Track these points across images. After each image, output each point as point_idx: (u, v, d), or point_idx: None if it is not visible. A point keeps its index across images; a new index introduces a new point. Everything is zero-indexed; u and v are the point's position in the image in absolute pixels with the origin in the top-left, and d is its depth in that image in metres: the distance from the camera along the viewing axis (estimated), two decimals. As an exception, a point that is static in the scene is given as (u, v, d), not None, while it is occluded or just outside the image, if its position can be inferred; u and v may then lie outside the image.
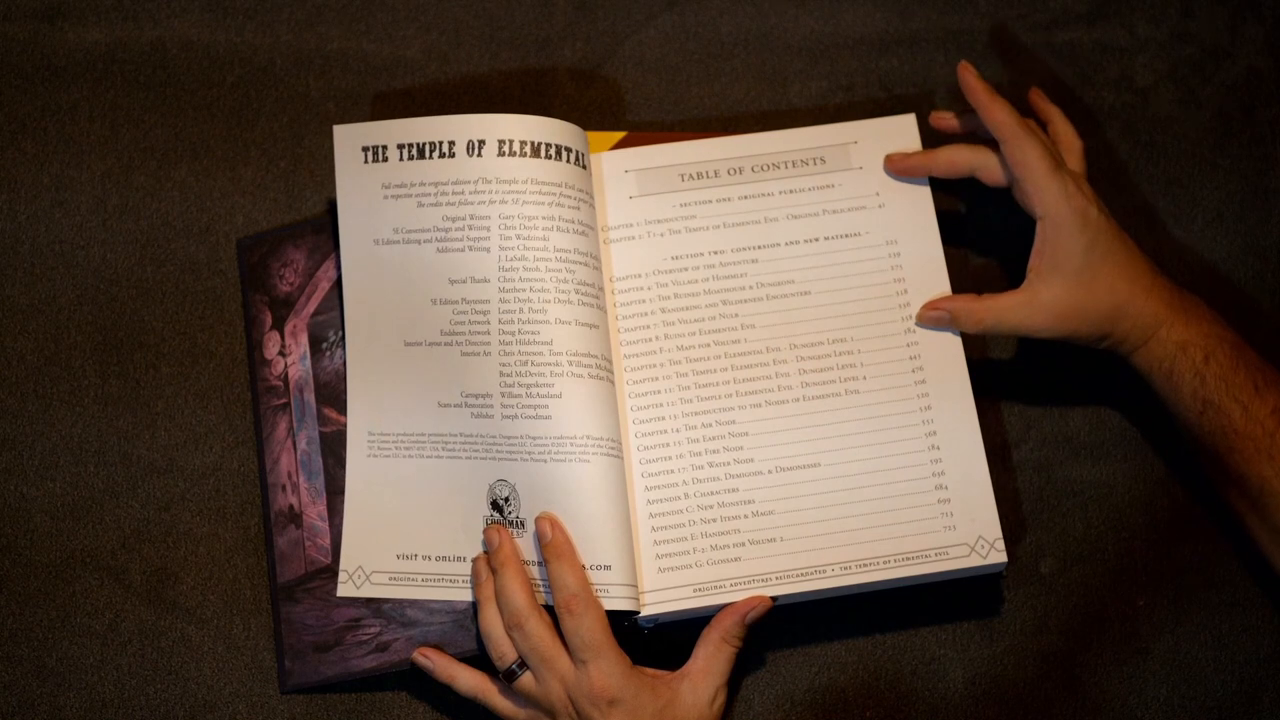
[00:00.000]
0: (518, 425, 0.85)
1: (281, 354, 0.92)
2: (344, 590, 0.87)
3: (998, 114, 0.87)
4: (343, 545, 0.87)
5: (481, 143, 0.88)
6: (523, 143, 0.87)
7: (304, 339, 0.92)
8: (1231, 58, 1.00)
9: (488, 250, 0.87)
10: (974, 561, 0.86)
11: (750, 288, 0.90)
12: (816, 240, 0.91)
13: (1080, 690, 0.90)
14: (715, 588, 0.85)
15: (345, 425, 0.89)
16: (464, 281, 0.87)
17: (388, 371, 0.88)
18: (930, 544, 0.86)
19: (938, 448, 0.88)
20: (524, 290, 0.86)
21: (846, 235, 0.91)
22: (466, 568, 0.86)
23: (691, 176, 0.92)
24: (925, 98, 0.99)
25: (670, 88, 0.99)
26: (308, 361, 0.92)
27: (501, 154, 0.87)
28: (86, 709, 0.88)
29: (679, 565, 0.86)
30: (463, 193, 0.88)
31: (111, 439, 0.92)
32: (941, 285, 0.90)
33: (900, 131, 0.93)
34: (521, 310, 0.86)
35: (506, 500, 0.85)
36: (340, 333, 0.90)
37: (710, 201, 0.92)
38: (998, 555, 0.86)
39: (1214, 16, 1.01)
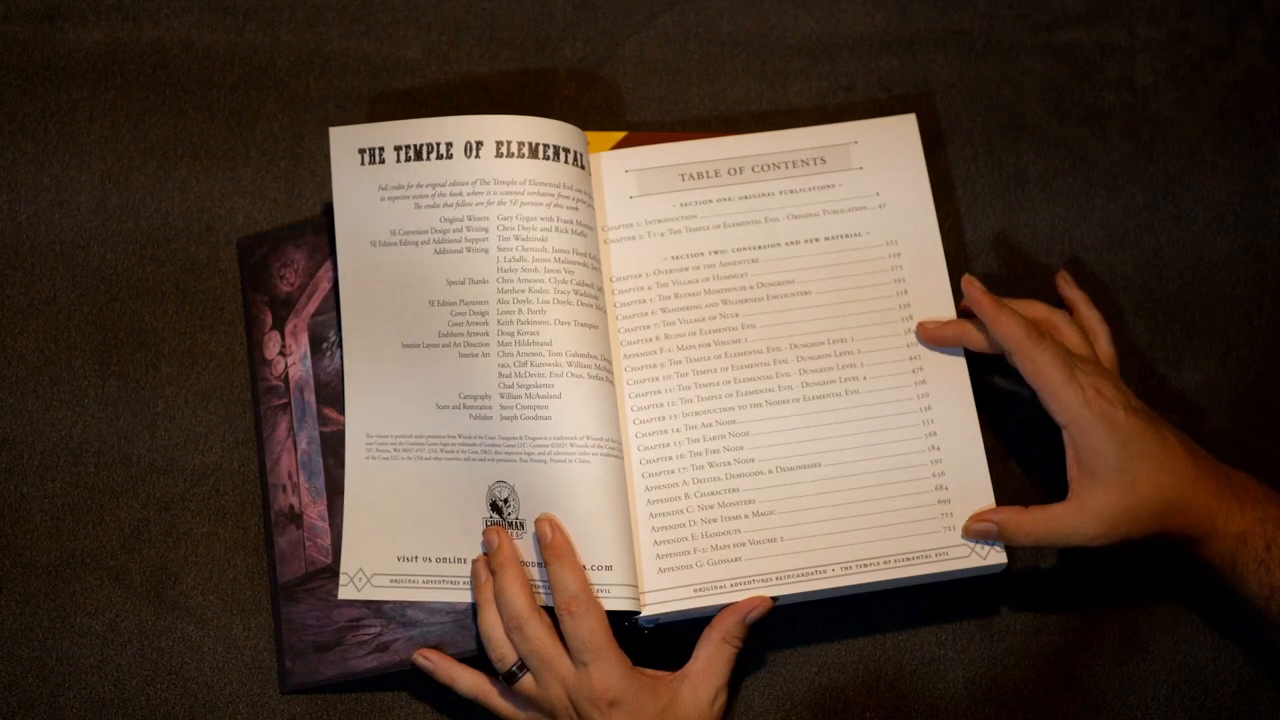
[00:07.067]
0: (517, 426, 0.85)
1: (282, 354, 0.92)
2: (345, 593, 0.87)
3: (1004, 327, 0.85)
4: (343, 548, 0.87)
5: (479, 144, 0.87)
6: (520, 144, 0.87)
7: (304, 339, 0.92)
8: (1231, 58, 1.00)
9: (486, 251, 0.87)
10: (974, 562, 0.86)
11: (751, 287, 0.90)
12: (817, 240, 0.91)
13: (1080, 690, 0.90)
14: (715, 588, 0.85)
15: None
16: (462, 283, 0.87)
17: (386, 374, 0.88)
18: (930, 544, 0.86)
19: (938, 448, 0.88)
20: (523, 291, 0.86)
21: (847, 235, 0.91)
22: (467, 569, 0.86)
23: (692, 176, 0.92)
24: (925, 98, 0.99)
25: (670, 88, 0.99)
26: (308, 361, 0.92)
27: (499, 155, 0.87)
28: (86, 709, 0.88)
29: (679, 565, 0.86)
30: (460, 194, 0.88)
31: (111, 439, 0.92)
32: (941, 286, 0.90)
33: (900, 131, 0.93)
34: (520, 311, 0.86)
35: (506, 501, 0.85)
36: (340, 333, 0.90)
37: (710, 201, 0.92)
38: (998, 555, 0.86)
39: (1214, 16, 1.01)
